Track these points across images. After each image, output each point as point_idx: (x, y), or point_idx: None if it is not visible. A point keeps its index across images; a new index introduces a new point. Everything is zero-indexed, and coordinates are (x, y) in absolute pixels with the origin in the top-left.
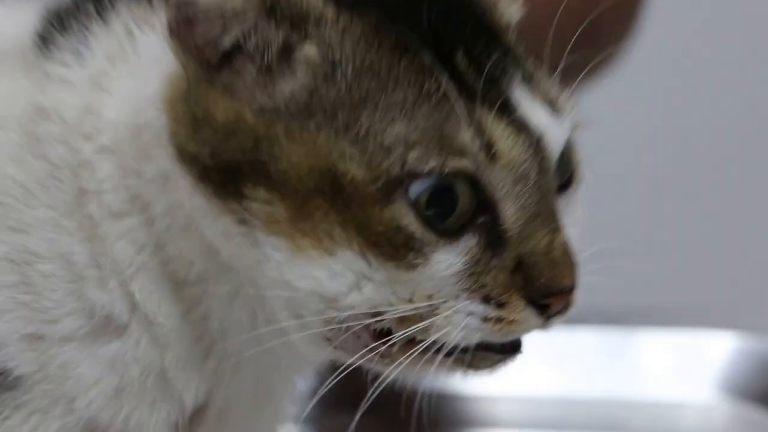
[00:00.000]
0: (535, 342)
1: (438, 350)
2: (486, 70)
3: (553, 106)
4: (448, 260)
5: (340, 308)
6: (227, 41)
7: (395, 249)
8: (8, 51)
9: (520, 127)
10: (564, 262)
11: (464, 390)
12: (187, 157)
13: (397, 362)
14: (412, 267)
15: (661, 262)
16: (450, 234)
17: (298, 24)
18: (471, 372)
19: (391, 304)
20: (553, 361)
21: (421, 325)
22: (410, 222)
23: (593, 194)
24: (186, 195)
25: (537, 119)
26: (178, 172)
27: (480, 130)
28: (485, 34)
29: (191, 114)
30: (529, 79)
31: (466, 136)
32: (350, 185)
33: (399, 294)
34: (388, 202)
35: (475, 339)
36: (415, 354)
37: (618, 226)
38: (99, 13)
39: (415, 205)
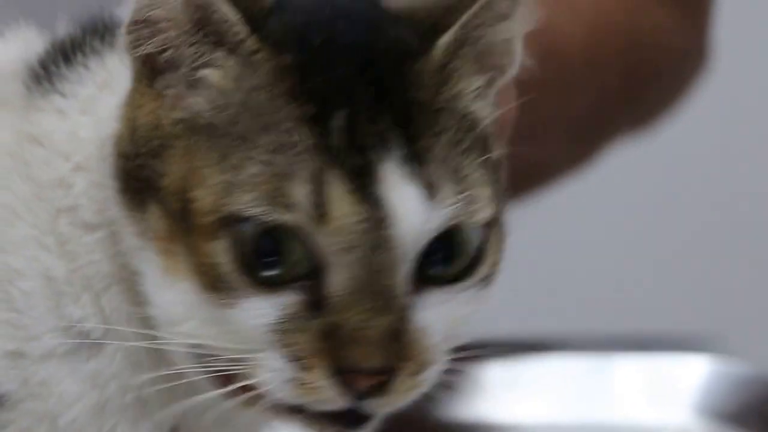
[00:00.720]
0: (511, 370)
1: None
2: (358, 139)
3: (431, 192)
4: (259, 310)
5: (178, 336)
6: (151, 48)
7: (212, 285)
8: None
9: (366, 199)
10: (373, 342)
11: (438, 416)
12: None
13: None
14: (222, 307)
15: (634, 288)
16: (270, 285)
17: (217, 44)
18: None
19: (215, 343)
20: (529, 388)
21: (237, 370)
22: (225, 262)
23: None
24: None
25: (395, 198)
26: None
27: (319, 191)
28: (389, 105)
29: (130, 116)
30: (413, 161)
31: (300, 192)
32: (194, 213)
33: (220, 334)
34: (213, 237)
35: (285, 397)
36: (253, 400)
37: (593, 251)
38: (102, 48)
39: (237, 247)
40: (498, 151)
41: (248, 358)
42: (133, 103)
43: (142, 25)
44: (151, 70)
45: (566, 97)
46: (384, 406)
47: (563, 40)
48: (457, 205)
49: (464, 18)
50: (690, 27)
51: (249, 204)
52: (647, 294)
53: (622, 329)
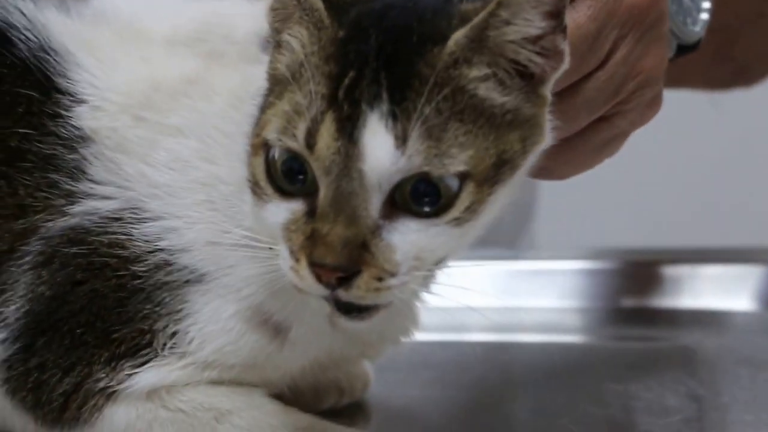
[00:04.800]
0: None
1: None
2: (357, 95)
3: (399, 142)
4: (277, 211)
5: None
6: (275, 21)
7: (254, 190)
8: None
9: (345, 137)
10: (330, 246)
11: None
12: None
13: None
14: (257, 207)
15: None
16: (287, 194)
17: (301, 20)
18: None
19: (261, 236)
20: None
21: (273, 253)
22: (259, 172)
23: None
24: None
25: (369, 141)
26: None
27: (315, 127)
28: (393, 74)
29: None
30: (392, 116)
31: (302, 127)
32: (253, 138)
33: (260, 228)
34: (255, 155)
35: (291, 280)
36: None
37: None
38: None
39: (269, 163)
40: (519, 130)
41: (275, 250)
42: (270, 66)
43: (272, 7)
44: (275, 36)
45: None
46: (356, 299)
47: None
48: (423, 156)
49: (474, 20)
50: None
51: (272, 132)
52: None
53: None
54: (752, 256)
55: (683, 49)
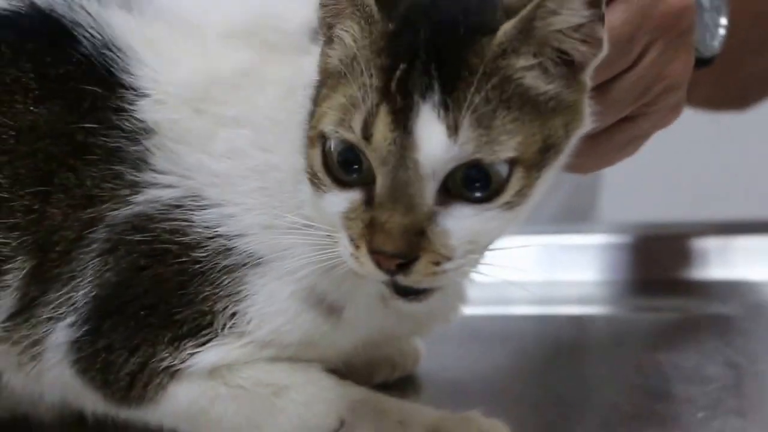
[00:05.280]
0: None
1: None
2: (409, 86)
3: (451, 131)
4: (335, 201)
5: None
6: (326, 16)
7: (311, 180)
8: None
9: (399, 128)
10: (389, 233)
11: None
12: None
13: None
14: (316, 196)
15: None
16: (344, 184)
17: (353, 15)
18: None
19: (321, 224)
20: None
21: (332, 242)
22: (316, 163)
23: None
24: None
25: (422, 131)
26: None
27: (370, 120)
28: (443, 65)
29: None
30: (444, 107)
31: (358, 119)
32: (309, 129)
33: (319, 217)
34: (312, 146)
35: (351, 266)
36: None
37: None
38: None
39: (325, 154)
40: (563, 117)
41: (334, 237)
42: (321, 60)
43: (324, 5)
44: (326, 31)
45: None
46: (414, 283)
47: None
48: (474, 144)
49: (522, 12)
50: None
51: (329, 125)
52: None
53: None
54: None
55: (699, 63)
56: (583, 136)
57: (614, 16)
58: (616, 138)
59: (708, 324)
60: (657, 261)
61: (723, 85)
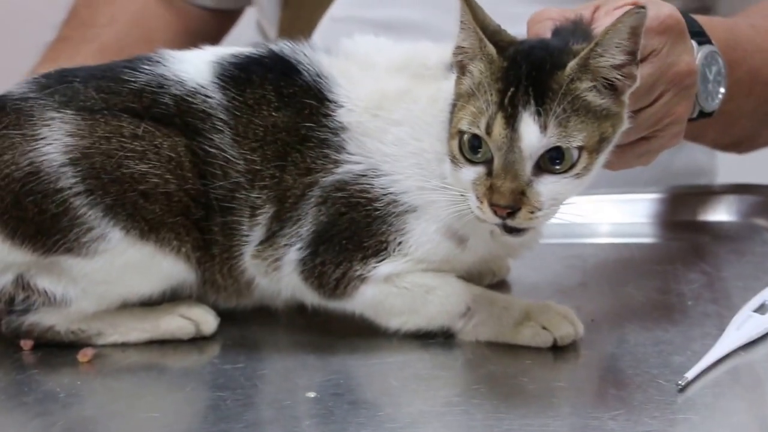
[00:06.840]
0: None
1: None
2: (516, 102)
3: (542, 129)
4: (468, 173)
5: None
6: (460, 57)
7: (451, 160)
8: (433, 68)
9: (509, 126)
10: (503, 194)
11: None
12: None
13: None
14: (456, 170)
15: None
16: (473, 162)
17: (478, 56)
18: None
19: (457, 188)
20: None
21: (464, 199)
22: (455, 150)
23: None
24: None
25: (524, 130)
26: None
27: (491, 122)
28: (536, 88)
29: (455, 89)
30: (537, 114)
31: (483, 121)
32: (451, 129)
33: (456, 183)
34: (453, 138)
35: (476, 214)
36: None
37: None
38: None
39: (461, 143)
40: (612, 123)
41: (465, 196)
42: (457, 85)
43: (459, 49)
44: (460, 69)
45: None
46: (517, 224)
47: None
48: (557, 136)
49: (581, 54)
50: None
51: (464, 125)
52: None
53: None
54: None
55: (703, 114)
56: (614, 148)
57: (644, 71)
58: (635, 150)
59: (690, 248)
60: (680, 208)
61: (723, 135)
